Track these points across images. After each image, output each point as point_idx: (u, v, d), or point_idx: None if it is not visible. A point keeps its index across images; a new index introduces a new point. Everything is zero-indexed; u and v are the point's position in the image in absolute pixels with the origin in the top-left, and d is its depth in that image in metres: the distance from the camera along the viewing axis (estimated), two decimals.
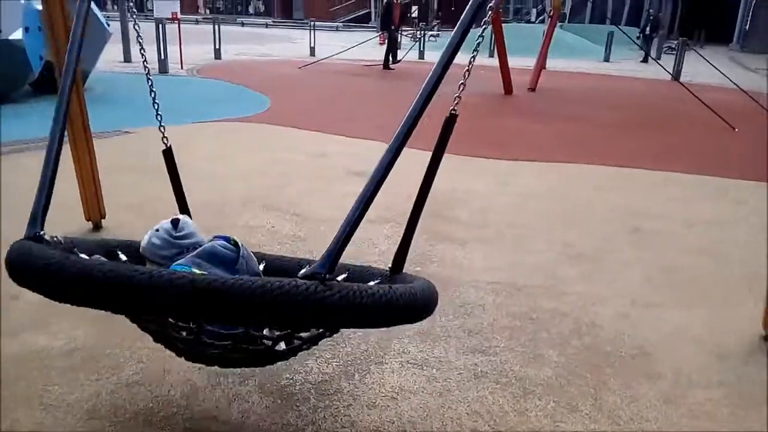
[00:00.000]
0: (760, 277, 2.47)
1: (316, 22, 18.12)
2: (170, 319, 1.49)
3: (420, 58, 16.69)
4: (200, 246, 1.79)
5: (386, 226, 3.49)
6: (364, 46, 15.26)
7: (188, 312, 1.31)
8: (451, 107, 1.64)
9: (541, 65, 11.08)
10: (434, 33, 25.97)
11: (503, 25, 10.30)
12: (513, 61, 10.20)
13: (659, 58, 14.78)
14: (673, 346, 2.37)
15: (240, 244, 1.80)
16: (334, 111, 7.78)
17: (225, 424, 1.82)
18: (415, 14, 27.27)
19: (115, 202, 3.49)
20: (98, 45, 7.84)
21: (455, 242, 3.35)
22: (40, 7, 5.18)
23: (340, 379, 2.07)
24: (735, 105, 8.59)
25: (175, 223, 1.89)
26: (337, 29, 33.57)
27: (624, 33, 12.52)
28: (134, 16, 2.46)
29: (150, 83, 2.36)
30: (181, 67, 11.31)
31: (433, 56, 17.41)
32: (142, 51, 2.30)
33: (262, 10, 43.86)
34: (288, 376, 2.08)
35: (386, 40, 13.61)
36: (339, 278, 1.81)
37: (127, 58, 11.89)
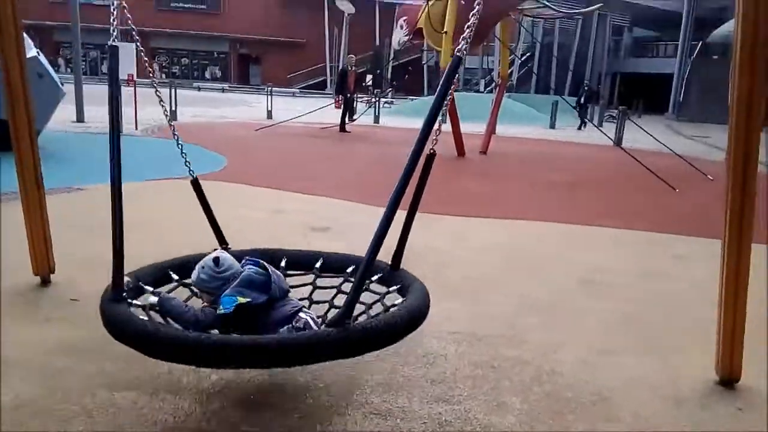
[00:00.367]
0: (709, 326, 2.56)
1: (273, 88, 18.46)
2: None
3: (375, 122, 17.12)
4: (238, 275, 2.25)
5: None
6: (320, 110, 15.60)
7: (254, 364, 2.04)
8: (430, 148, 2.19)
9: (491, 130, 11.54)
10: (388, 100, 26.82)
11: (455, 93, 10.74)
12: (464, 127, 10.59)
13: (601, 126, 15.61)
14: (630, 391, 2.41)
15: (268, 268, 2.29)
16: (291, 170, 7.83)
17: None
18: (369, 82, 28.15)
19: (64, 257, 3.36)
20: (51, 103, 7.75)
21: None
22: None
23: (301, 431, 2.01)
24: (673, 168, 9.10)
25: (216, 261, 2.29)
26: (294, 95, 34.30)
27: (567, 102, 13.27)
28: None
29: (175, 135, 2.89)
30: (136, 128, 11.25)
31: (388, 121, 17.93)
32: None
33: (218, 76, 44.42)
34: (245, 428, 2.00)
35: (342, 104, 13.95)
36: (348, 270, 2.58)
37: (80, 118, 11.77)
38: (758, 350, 2.65)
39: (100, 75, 37.46)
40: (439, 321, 2.98)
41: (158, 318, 2.15)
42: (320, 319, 2.29)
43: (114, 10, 2.32)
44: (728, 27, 22.85)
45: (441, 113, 2.06)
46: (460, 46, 2.06)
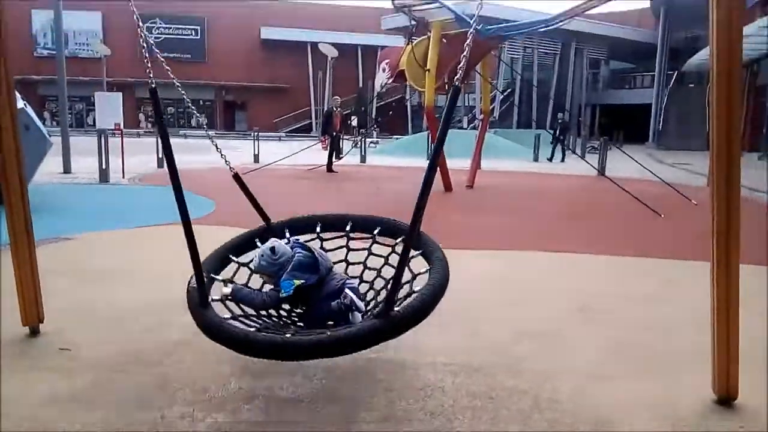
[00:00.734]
0: (704, 347, 2.57)
1: (259, 132, 18.63)
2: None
3: (362, 162, 17.27)
4: (291, 258, 2.74)
5: None
6: (307, 152, 15.72)
7: (323, 355, 2.35)
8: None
9: (476, 164, 11.68)
10: (374, 140, 27.14)
11: None
12: (449, 163, 10.71)
13: (584, 157, 15.87)
14: (630, 415, 2.40)
15: (314, 250, 2.82)
16: (280, 210, 7.81)
17: None
18: (354, 123, 28.54)
19: (53, 306, 3.32)
20: (38, 154, 7.76)
21: None
22: None
23: None
24: (658, 195, 9.24)
25: (272, 249, 2.77)
26: (280, 139, 34.57)
27: (550, 134, 13.52)
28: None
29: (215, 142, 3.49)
30: (123, 176, 11.26)
31: (374, 160, 18.10)
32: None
33: (205, 123, 44.79)
34: None
35: (328, 145, 14.08)
36: (375, 231, 3.09)
37: (67, 169, 11.77)
38: (754, 368, 2.66)
39: (86, 126, 37.69)
40: (435, 352, 2.97)
41: (233, 306, 2.70)
42: (356, 281, 2.97)
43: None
44: (702, 55, 23.54)
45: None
46: (457, 76, 2.33)
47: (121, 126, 12.06)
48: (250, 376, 2.67)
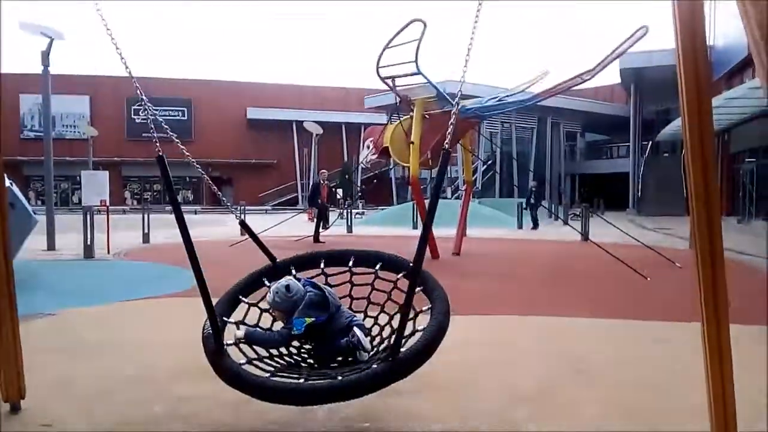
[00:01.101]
0: (700, 404, 2.55)
1: (246, 206, 18.76)
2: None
3: (348, 232, 17.35)
4: (303, 296, 2.87)
5: None
6: (293, 223, 15.77)
7: (336, 399, 2.51)
8: None
9: (462, 232, 11.78)
10: (359, 211, 27.40)
11: (424, 201, 11.08)
12: (435, 232, 10.80)
13: (566, 224, 16.11)
14: None
15: (324, 289, 2.96)
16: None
17: None
18: (340, 195, 28.89)
19: (35, 382, 3.22)
20: (24, 232, 7.71)
21: (403, 395, 3.27)
22: None
23: None
24: (642, 258, 9.34)
25: (287, 288, 2.89)
26: (266, 212, 34.73)
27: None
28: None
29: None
30: (108, 252, 11.17)
31: (361, 230, 18.19)
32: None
33: (191, 199, 45.01)
34: None
35: (315, 216, 14.18)
36: (377, 266, 3.21)
37: (51, 246, 11.66)
38: (753, 424, 2.63)
39: (71, 205, 37.65)
40: (429, 418, 2.91)
41: (247, 348, 2.85)
42: (361, 315, 3.13)
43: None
44: (673, 126, 24.53)
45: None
46: (447, 141, 2.50)
47: (107, 202, 12.10)
48: None
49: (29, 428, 2.81)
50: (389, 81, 10.30)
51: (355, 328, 2.87)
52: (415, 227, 17.55)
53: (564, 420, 2.93)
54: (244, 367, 2.63)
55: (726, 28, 21.00)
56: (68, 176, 38.62)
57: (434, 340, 2.55)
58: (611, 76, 33.56)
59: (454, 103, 2.75)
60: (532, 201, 20.25)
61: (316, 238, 13.67)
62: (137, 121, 41.49)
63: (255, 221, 22.31)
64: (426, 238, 2.41)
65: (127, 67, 2.81)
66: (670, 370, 3.79)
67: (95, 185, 12.21)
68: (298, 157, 45.45)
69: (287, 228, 14.83)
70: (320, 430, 2.80)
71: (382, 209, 28.97)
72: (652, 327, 5.11)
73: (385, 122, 13.65)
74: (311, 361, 3.00)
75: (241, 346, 2.84)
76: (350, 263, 3.28)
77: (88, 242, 10.54)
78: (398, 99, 10.89)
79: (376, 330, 3.18)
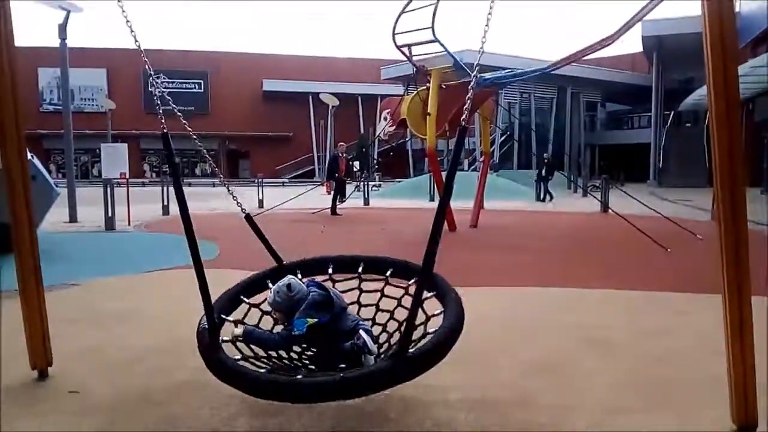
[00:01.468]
0: (720, 377, 2.54)
1: (263, 179, 18.83)
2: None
3: (365, 205, 17.37)
4: (306, 296, 2.68)
5: None
6: (311, 196, 15.82)
7: (335, 398, 2.36)
8: None
9: (479, 204, 11.73)
10: (376, 183, 27.37)
11: (441, 172, 11.01)
12: (452, 204, 10.71)
13: (585, 196, 15.95)
14: None
15: (329, 290, 2.77)
16: (285, 252, 7.84)
17: None
18: (357, 167, 28.84)
19: (61, 351, 3.30)
20: (46, 204, 7.83)
21: None
22: None
23: None
24: (662, 230, 9.23)
25: (288, 287, 2.71)
26: (283, 185, 34.87)
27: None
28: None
29: None
30: (129, 224, 11.33)
31: (377, 203, 18.19)
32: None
33: (209, 172, 45.29)
34: None
35: (333, 189, 14.19)
36: (387, 273, 3.04)
37: (73, 218, 11.85)
38: None
39: (91, 178, 38.11)
40: (446, 389, 2.93)
41: (244, 347, 2.68)
42: (369, 323, 2.95)
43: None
44: (696, 95, 23.92)
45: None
46: (463, 116, 2.40)
47: (127, 175, 12.22)
48: (259, 415, 2.63)
49: (56, 395, 2.89)
50: (405, 50, 10.16)
51: (361, 331, 2.67)
52: (432, 199, 17.49)
53: (577, 392, 2.94)
54: (239, 363, 2.48)
55: None
56: (88, 149, 39.05)
57: (446, 342, 2.41)
58: (633, 45, 32.79)
59: (472, 75, 2.58)
60: (543, 174, 20.03)
61: (333, 210, 13.72)
62: (154, 94, 41.58)
63: (273, 194, 22.46)
64: (443, 215, 2.34)
65: (136, 41, 2.70)
66: (691, 340, 3.77)
67: (115, 158, 12.32)
68: (315, 129, 45.35)
69: (304, 201, 14.88)
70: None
71: (399, 182, 28.91)
72: (673, 298, 5.06)
73: (402, 93, 13.50)
74: (312, 367, 2.82)
75: (239, 344, 2.68)
76: (360, 269, 3.12)
77: (109, 214, 10.68)
78: (415, 69, 10.74)
79: (384, 338, 2.99)
